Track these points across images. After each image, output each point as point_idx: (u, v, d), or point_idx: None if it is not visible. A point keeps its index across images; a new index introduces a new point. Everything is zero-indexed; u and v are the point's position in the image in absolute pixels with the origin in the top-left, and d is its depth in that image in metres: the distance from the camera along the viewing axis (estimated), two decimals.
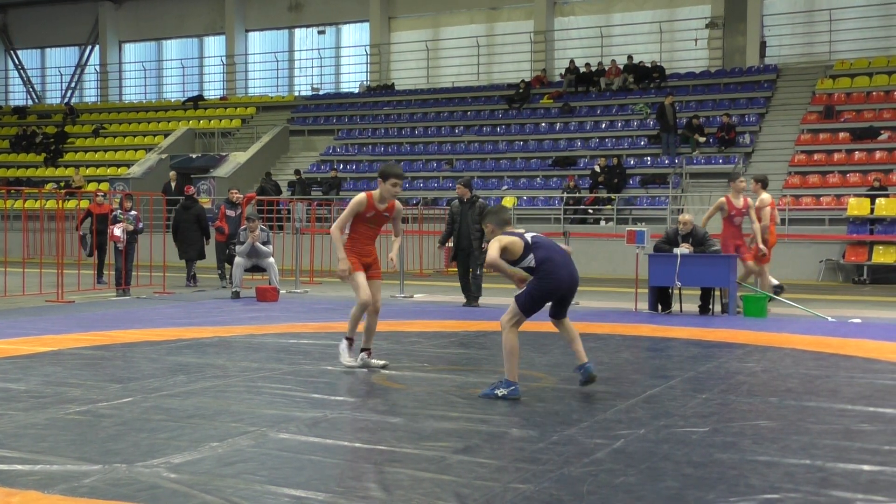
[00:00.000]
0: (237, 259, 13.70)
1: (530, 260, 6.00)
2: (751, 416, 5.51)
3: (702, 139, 22.90)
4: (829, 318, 11.01)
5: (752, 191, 12.39)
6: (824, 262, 18.45)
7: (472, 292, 12.44)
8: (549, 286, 6.00)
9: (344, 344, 7.21)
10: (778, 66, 25.67)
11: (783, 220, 19.70)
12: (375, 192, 7.10)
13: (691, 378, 6.84)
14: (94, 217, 15.67)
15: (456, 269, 12.90)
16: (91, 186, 26.95)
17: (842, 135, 21.92)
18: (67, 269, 14.15)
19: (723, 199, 11.90)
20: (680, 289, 11.52)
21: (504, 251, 5.98)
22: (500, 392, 5.86)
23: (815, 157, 21.66)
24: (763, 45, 26.44)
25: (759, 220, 11.86)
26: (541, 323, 10.24)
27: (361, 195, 7.13)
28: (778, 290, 12.09)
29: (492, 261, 5.97)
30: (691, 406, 5.79)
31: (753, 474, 4.24)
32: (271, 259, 13.89)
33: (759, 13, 26.18)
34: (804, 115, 23.09)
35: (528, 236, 6.11)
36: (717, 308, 11.63)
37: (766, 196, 12.07)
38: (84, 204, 17.20)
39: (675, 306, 11.69)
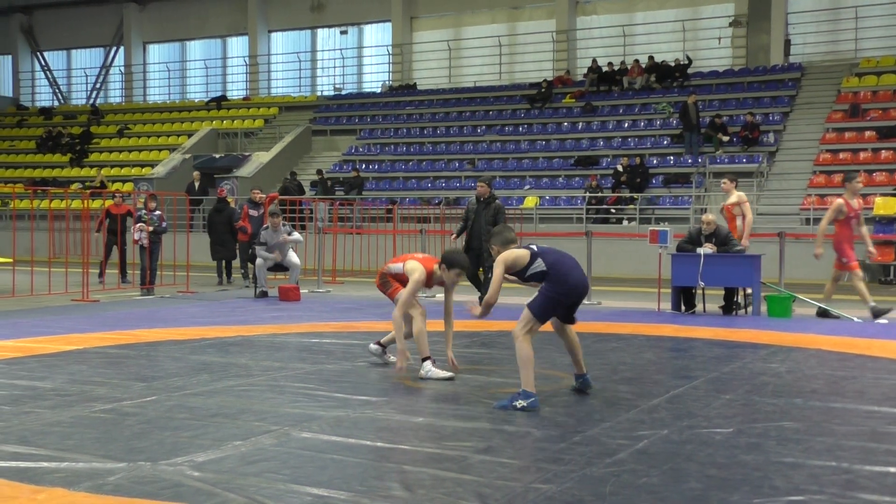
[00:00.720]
0: (259, 259, 13.71)
1: (540, 264, 5.88)
2: (775, 417, 5.47)
3: (725, 138, 22.76)
4: (855, 319, 10.91)
5: (723, 190, 12.55)
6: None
7: (483, 288, 12.34)
8: (563, 289, 5.87)
9: (428, 364, 6.72)
10: (802, 64, 25.45)
11: (808, 220, 19.56)
12: (435, 270, 6.88)
13: (715, 378, 6.80)
14: (116, 217, 15.77)
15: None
16: (115, 186, 27.20)
17: (868, 133, 21.70)
18: (93, 268, 14.28)
19: (840, 200, 11.45)
20: (703, 289, 11.45)
21: (512, 266, 5.94)
22: (519, 404, 5.61)
23: (841, 155, 21.46)
24: (787, 43, 26.22)
25: (744, 216, 11.97)
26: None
27: (420, 274, 6.82)
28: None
29: (495, 288, 5.96)
30: (715, 407, 5.75)
31: (778, 476, 4.21)
32: (296, 260, 13.88)
33: (783, 11, 25.97)
34: (829, 113, 22.88)
35: (534, 246, 6.07)
36: (739, 300, 11.55)
37: (741, 193, 12.23)
38: (108, 203, 17.30)
39: (699, 306, 11.63)
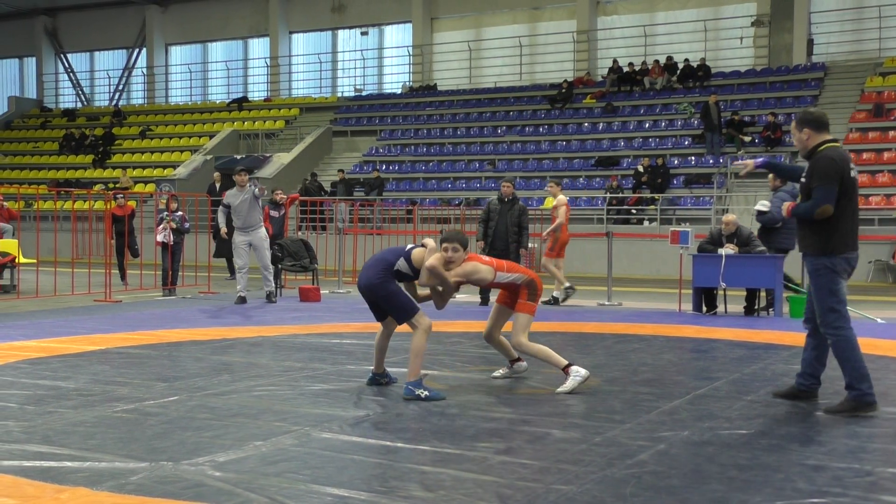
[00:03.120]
0: (237, 259, 12.77)
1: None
2: (797, 419, 5.43)
3: (747, 138, 22.62)
4: (879, 320, 10.82)
5: (549, 192, 13.21)
6: (874, 262, 18.14)
7: (489, 294, 12.28)
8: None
9: (574, 372, 6.32)
10: (826, 63, 25.27)
11: None
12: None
13: (736, 380, 6.76)
14: (122, 219, 15.77)
15: None
16: (138, 188, 27.39)
17: (892, 133, 21.52)
18: (115, 269, 14.39)
19: None
20: (725, 290, 11.39)
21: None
22: (422, 393, 5.89)
23: (865, 156, 21.28)
24: (810, 42, 26.03)
25: (555, 218, 12.77)
26: (583, 324, 10.21)
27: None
28: (569, 290, 12.76)
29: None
30: (736, 408, 5.72)
31: (800, 478, 4.18)
32: (266, 261, 12.81)
33: (806, 10, 25.79)
34: (853, 113, 22.70)
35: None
36: (761, 302, 11.48)
37: (562, 197, 12.98)
38: (131, 204, 17.37)
39: (720, 307, 11.57)
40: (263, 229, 12.86)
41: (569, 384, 6.20)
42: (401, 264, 6.09)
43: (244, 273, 12.65)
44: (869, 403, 5.56)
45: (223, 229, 12.80)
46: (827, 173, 5.58)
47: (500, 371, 6.80)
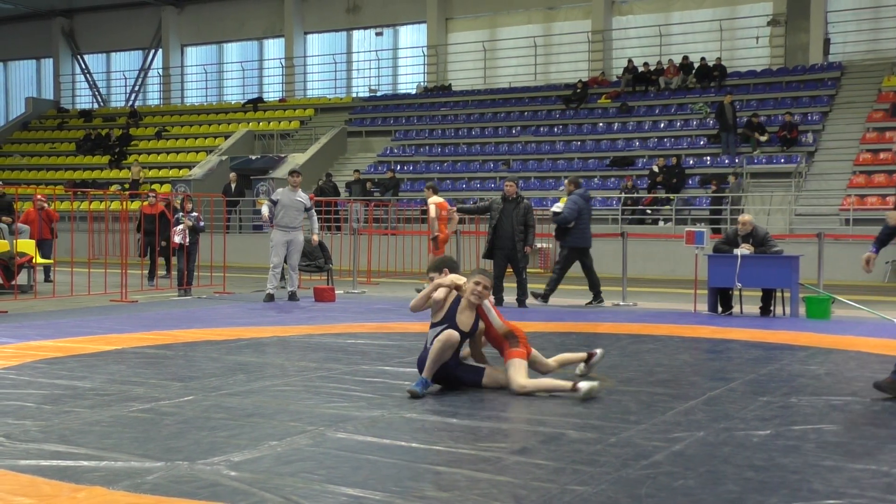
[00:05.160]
0: (274, 257, 13.14)
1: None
2: (814, 420, 5.40)
3: (763, 138, 22.52)
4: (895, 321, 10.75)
5: (426, 195, 14.46)
6: (891, 263, 18.01)
7: (503, 294, 12.26)
8: None
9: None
10: (842, 63, 25.12)
11: (847, 221, 19.31)
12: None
13: (752, 380, 6.73)
14: (152, 217, 15.90)
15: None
16: (154, 187, 27.51)
17: (889, 134, 21.38)
18: (131, 269, 14.45)
19: None
20: (741, 290, 11.35)
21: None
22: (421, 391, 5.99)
23: (881, 155, 21.15)
24: (827, 42, 25.89)
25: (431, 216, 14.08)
26: (598, 324, 10.19)
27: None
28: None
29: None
30: (752, 409, 5.69)
31: (816, 479, 4.16)
32: (295, 261, 13.24)
33: (822, 10, 25.65)
34: (869, 113, 22.57)
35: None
36: (780, 310, 11.43)
37: (435, 197, 14.41)
38: (144, 204, 17.44)
39: (736, 308, 11.52)
40: (301, 232, 13.29)
41: (587, 385, 6.21)
42: (430, 335, 6.31)
43: (277, 272, 13.09)
44: None
45: (265, 218, 13.22)
46: None
47: (579, 370, 6.76)
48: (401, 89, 32.94)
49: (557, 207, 12.78)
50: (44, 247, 16.14)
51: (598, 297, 12.67)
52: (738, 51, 27.45)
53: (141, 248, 16.26)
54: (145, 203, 16.29)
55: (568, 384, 6.08)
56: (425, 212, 13.35)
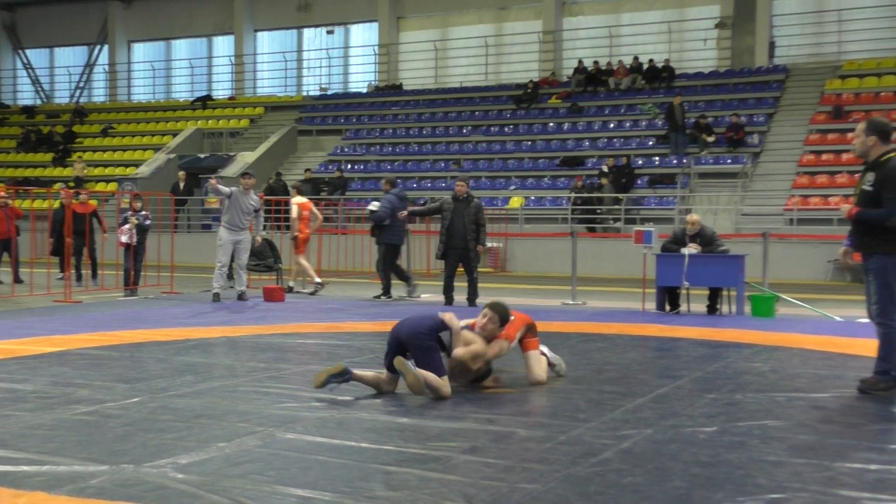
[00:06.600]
0: (222, 256, 12.97)
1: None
2: (759, 416, 5.49)
3: (710, 139, 22.85)
4: (837, 318, 10.97)
5: (291, 195, 14.97)
6: (833, 262, 18.39)
7: (454, 294, 12.30)
8: None
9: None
10: (787, 66, 25.60)
11: (791, 221, 19.67)
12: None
13: (699, 378, 6.82)
14: (82, 217, 15.21)
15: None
16: (100, 186, 27.06)
17: (850, 135, 21.72)
18: (71, 269, 14.18)
19: None
20: (688, 289, 11.49)
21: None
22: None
23: (824, 157, 21.59)
24: (772, 45, 26.36)
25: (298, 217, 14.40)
26: (548, 323, 10.25)
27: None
28: (318, 286, 14.26)
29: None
30: (699, 406, 5.77)
31: (761, 474, 4.23)
32: (244, 259, 13.21)
33: (768, 13, 26.12)
34: (813, 115, 23.02)
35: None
36: (726, 308, 11.60)
37: (299, 198, 14.82)
38: (93, 202, 16.79)
39: (683, 306, 11.67)
40: (248, 233, 13.27)
41: (560, 363, 6.81)
42: (445, 336, 6.14)
43: (224, 271, 13.01)
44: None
45: (216, 200, 13.30)
46: None
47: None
48: (352, 88, 32.82)
49: (374, 206, 13.41)
50: (10, 245, 15.60)
51: (387, 292, 13.37)
52: (686, 52, 27.81)
53: (66, 249, 15.39)
54: (75, 202, 15.70)
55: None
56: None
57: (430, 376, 5.93)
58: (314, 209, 15.07)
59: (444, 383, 5.97)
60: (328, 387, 5.95)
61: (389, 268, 13.43)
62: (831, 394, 6.26)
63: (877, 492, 3.97)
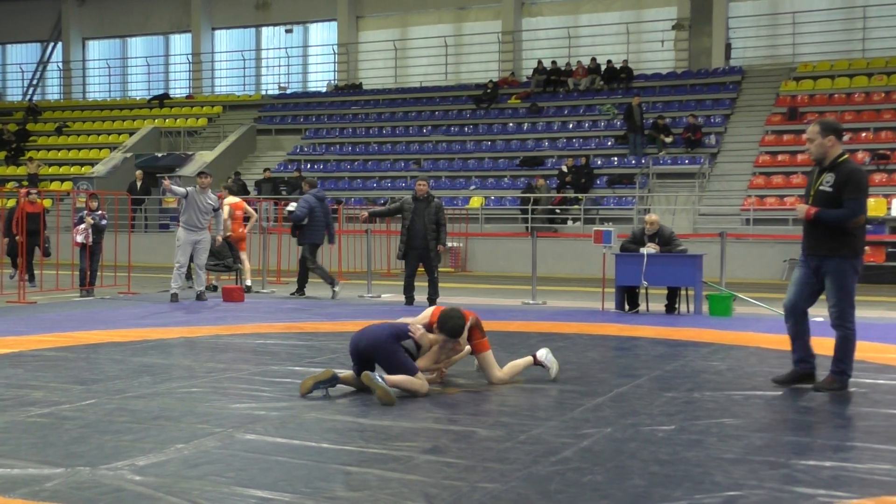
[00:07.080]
0: (180, 256, 12.94)
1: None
2: (716, 414, 5.56)
3: (668, 140, 23.08)
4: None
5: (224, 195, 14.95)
6: (788, 261, 18.65)
7: (414, 294, 12.29)
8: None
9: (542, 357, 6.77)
10: (743, 67, 25.94)
11: (748, 221, 19.93)
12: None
13: (658, 377, 6.88)
14: (33, 217, 14.91)
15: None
16: (54, 186, 26.64)
17: (804, 136, 22.16)
18: (19, 268, 13.93)
19: None
20: (647, 288, 11.59)
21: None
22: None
23: (779, 157, 21.91)
24: (728, 47, 26.71)
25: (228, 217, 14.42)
26: (508, 322, 10.28)
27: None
28: (248, 289, 14.33)
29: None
30: (658, 404, 5.82)
31: (718, 471, 4.28)
32: (202, 260, 13.08)
33: (724, 15, 26.45)
34: (768, 116, 23.35)
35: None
36: (684, 307, 11.72)
37: (230, 198, 14.92)
38: (45, 202, 16.54)
39: (642, 306, 11.77)
40: (208, 232, 13.21)
41: (552, 367, 6.63)
42: (409, 344, 6.09)
43: (182, 271, 12.96)
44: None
45: (174, 200, 13.15)
46: (861, 186, 6.13)
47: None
48: (311, 87, 32.67)
49: (292, 206, 13.97)
50: None
51: (301, 290, 13.71)
52: (644, 53, 28.06)
53: (21, 248, 15.05)
54: (25, 200, 15.42)
55: (529, 359, 6.62)
56: (335, 211, 13.29)
57: (403, 381, 5.93)
58: (248, 207, 15.26)
59: (419, 382, 5.98)
60: (315, 392, 5.95)
61: (313, 266, 13.60)
62: (787, 392, 6.35)
63: (832, 489, 4.03)
